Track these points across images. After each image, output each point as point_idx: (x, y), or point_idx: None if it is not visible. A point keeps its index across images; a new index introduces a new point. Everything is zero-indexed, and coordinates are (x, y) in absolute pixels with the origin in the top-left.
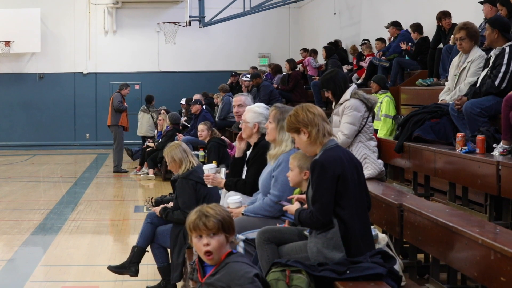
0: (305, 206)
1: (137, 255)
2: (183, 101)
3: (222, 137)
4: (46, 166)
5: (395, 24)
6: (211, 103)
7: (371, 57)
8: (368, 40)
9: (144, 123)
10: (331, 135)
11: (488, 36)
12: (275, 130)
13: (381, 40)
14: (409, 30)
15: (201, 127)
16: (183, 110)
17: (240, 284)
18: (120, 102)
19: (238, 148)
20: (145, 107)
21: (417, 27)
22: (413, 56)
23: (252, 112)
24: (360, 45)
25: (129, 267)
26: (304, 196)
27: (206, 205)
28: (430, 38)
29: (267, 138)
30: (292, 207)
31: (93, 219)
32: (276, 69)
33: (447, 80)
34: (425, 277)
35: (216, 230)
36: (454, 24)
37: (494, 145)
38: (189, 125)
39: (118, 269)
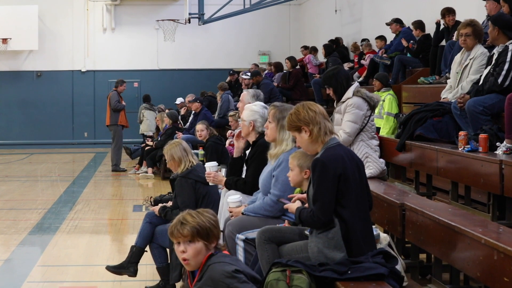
0: (306, 205)
1: (135, 255)
2: (178, 101)
3: (230, 131)
4: (44, 165)
5: (397, 21)
6: (212, 102)
7: (371, 55)
8: (367, 39)
9: (152, 121)
10: (333, 133)
11: (490, 33)
12: (275, 130)
13: (381, 38)
14: (411, 27)
15: (200, 126)
16: (180, 110)
17: (225, 284)
18: (117, 102)
19: (236, 147)
20: (147, 105)
21: (419, 24)
22: (415, 54)
23: (248, 110)
24: (360, 45)
25: (128, 267)
26: (304, 195)
27: (189, 211)
28: (432, 36)
29: (266, 138)
30: (293, 206)
31: (91, 219)
32: (277, 66)
33: (448, 78)
34: (427, 278)
35: (191, 237)
36: (458, 21)
37: (498, 143)
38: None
39: (116, 269)
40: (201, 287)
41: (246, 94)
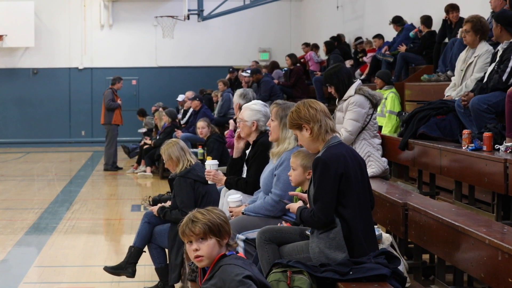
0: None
1: (134, 255)
2: (180, 98)
3: (226, 131)
4: (40, 164)
5: (395, 21)
6: (212, 101)
7: (372, 53)
8: (366, 38)
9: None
10: (334, 131)
11: (493, 30)
12: (278, 128)
13: (379, 36)
14: (414, 24)
15: (201, 124)
16: (180, 107)
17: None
18: (111, 100)
19: (236, 147)
20: (151, 117)
21: (426, 20)
22: (418, 51)
23: (249, 110)
24: (357, 44)
25: (126, 268)
26: (305, 195)
27: (198, 209)
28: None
29: (271, 138)
30: (294, 205)
31: (89, 219)
32: (272, 65)
33: (446, 76)
34: (430, 278)
35: (203, 235)
36: (462, 18)
37: (496, 146)
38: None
39: (114, 270)
40: (210, 287)
41: (235, 94)
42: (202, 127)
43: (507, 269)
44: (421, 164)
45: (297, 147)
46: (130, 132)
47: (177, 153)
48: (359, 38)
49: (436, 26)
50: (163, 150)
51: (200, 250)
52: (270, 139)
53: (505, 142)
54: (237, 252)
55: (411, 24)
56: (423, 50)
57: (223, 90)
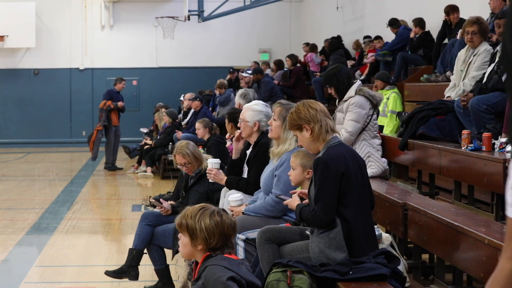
0: (305, 201)
1: (136, 258)
2: (182, 97)
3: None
4: (41, 164)
5: (391, 24)
6: (209, 101)
7: (372, 53)
8: (370, 37)
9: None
10: (334, 131)
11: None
12: (280, 128)
13: (380, 38)
14: (409, 25)
15: (197, 125)
16: (182, 107)
17: None
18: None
19: (235, 148)
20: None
21: (419, 22)
22: (414, 49)
23: (251, 111)
24: (363, 43)
25: (129, 272)
26: (306, 190)
27: (202, 205)
28: (433, 33)
29: (270, 135)
30: (293, 202)
31: (90, 219)
32: (278, 64)
33: (442, 73)
34: (430, 278)
35: (180, 228)
36: (462, 19)
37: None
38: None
39: (117, 274)
40: None
41: (237, 94)
42: (197, 128)
43: None
44: (421, 164)
45: (298, 148)
46: (131, 132)
47: (198, 150)
48: (368, 36)
49: (431, 26)
50: (184, 152)
51: (180, 241)
52: (270, 136)
53: (500, 137)
54: (230, 253)
55: (404, 27)
56: (418, 48)
57: (222, 93)
